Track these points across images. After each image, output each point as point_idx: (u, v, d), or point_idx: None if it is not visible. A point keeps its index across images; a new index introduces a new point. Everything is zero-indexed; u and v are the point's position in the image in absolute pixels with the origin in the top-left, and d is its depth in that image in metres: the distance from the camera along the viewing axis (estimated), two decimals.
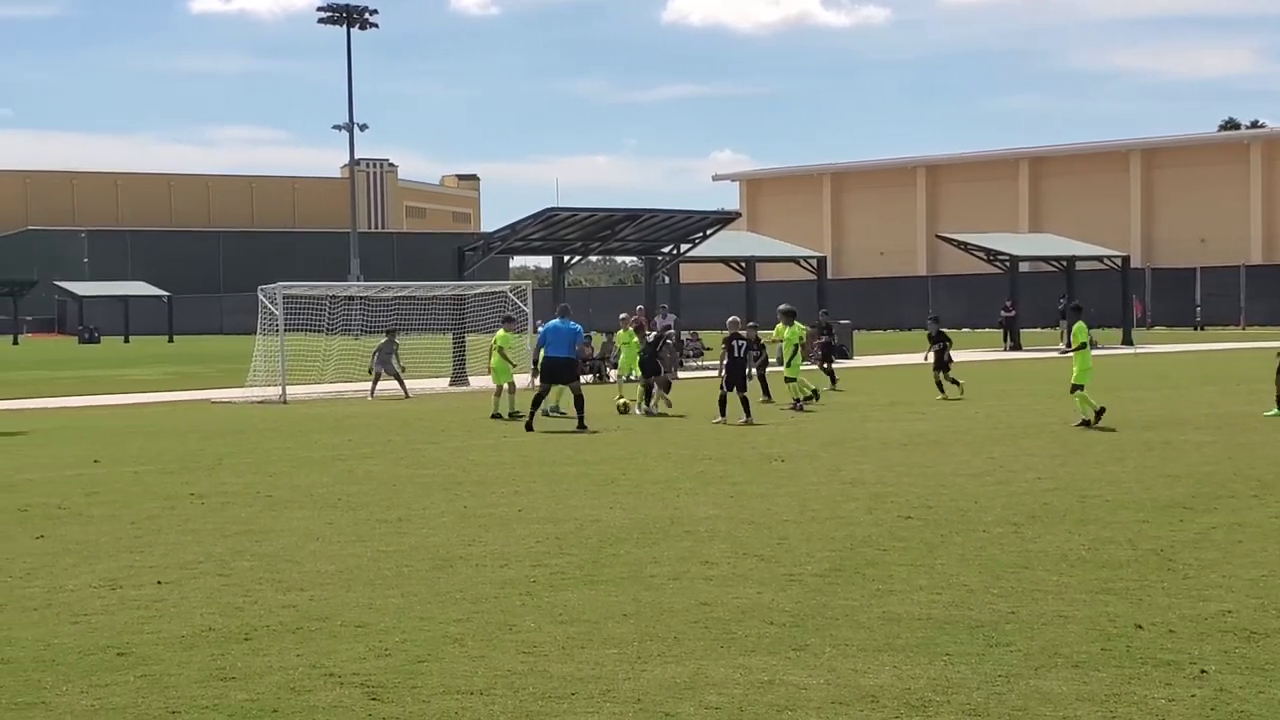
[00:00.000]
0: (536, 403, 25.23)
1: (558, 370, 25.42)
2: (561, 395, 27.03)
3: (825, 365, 35.38)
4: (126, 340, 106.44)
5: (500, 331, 29.58)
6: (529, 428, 24.50)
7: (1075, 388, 23.49)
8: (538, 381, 25.92)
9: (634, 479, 17.62)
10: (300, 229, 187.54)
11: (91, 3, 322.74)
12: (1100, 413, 22.98)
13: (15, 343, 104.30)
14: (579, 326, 26.08)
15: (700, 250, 51.30)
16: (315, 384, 38.07)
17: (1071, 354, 24.04)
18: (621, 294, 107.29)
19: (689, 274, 65.10)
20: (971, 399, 29.79)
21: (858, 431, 23.35)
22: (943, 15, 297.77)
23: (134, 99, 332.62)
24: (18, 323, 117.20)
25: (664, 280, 52.00)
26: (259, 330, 37.87)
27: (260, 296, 37.62)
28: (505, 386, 28.17)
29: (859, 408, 27.76)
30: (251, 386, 35.88)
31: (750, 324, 32.01)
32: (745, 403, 25.43)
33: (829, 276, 61.94)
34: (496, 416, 27.43)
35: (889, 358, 51.73)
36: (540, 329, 26.48)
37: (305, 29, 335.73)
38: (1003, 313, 60.80)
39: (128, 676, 8.51)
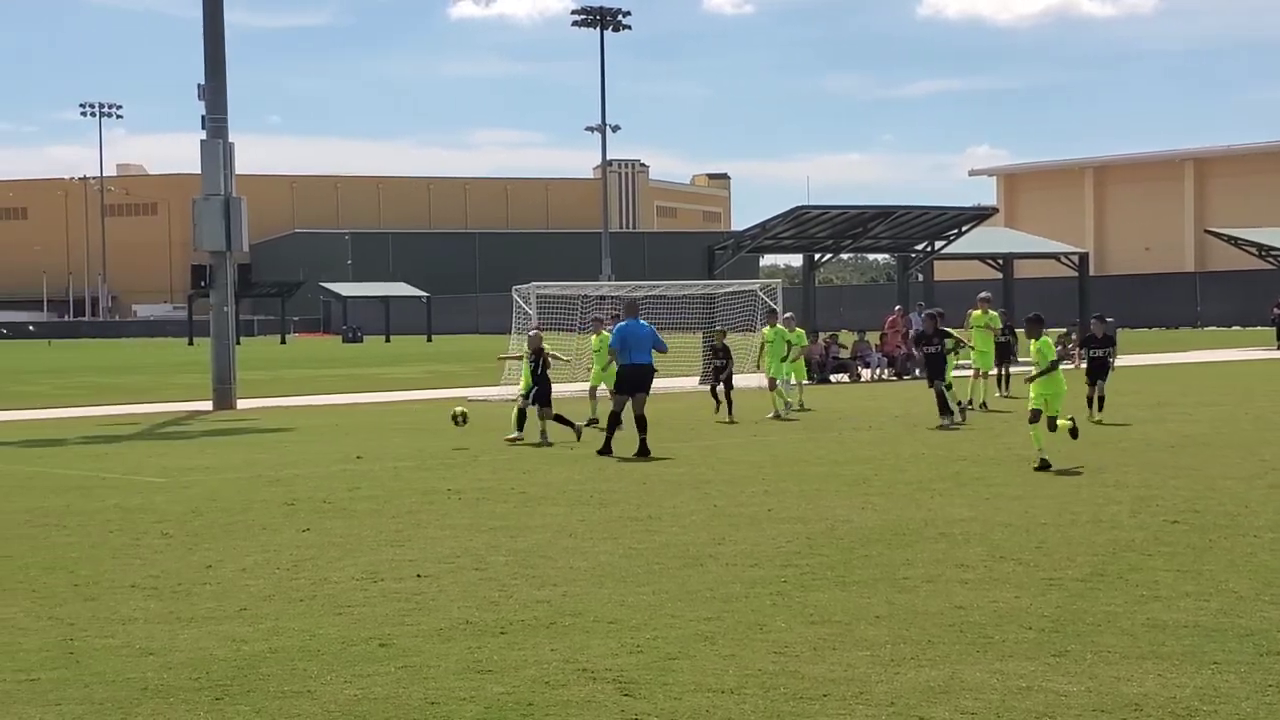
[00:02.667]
0: (615, 421, 21.68)
1: (640, 379, 22.01)
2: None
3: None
4: (388, 339, 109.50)
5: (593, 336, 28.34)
6: (607, 449, 21.17)
7: (1037, 416, 18.37)
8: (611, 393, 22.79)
9: (886, 479, 17.41)
10: (553, 229, 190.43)
11: (357, 11, 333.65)
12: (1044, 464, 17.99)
13: (283, 342, 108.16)
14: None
15: (955, 247, 50.55)
16: (568, 382, 38.54)
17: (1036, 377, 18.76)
18: (873, 292, 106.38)
19: (943, 271, 64.19)
20: (1240, 401, 28.70)
21: (1120, 433, 22.68)
22: (1214, 2, 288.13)
23: (396, 104, 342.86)
24: (285, 322, 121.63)
25: (917, 278, 51.35)
26: (513, 329, 38.53)
27: (514, 296, 38.30)
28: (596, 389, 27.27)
29: (1122, 409, 26.94)
30: (507, 385, 36.49)
31: (717, 328, 30.76)
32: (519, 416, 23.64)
33: (1091, 273, 60.37)
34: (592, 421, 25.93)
35: (1155, 357, 50.22)
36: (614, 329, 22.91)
37: (560, 32, 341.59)
38: (1275, 310, 58.50)
39: (389, 667, 8.71)
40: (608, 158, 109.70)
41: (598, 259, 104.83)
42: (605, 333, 28.42)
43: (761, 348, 29.60)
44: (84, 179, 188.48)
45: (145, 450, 24.00)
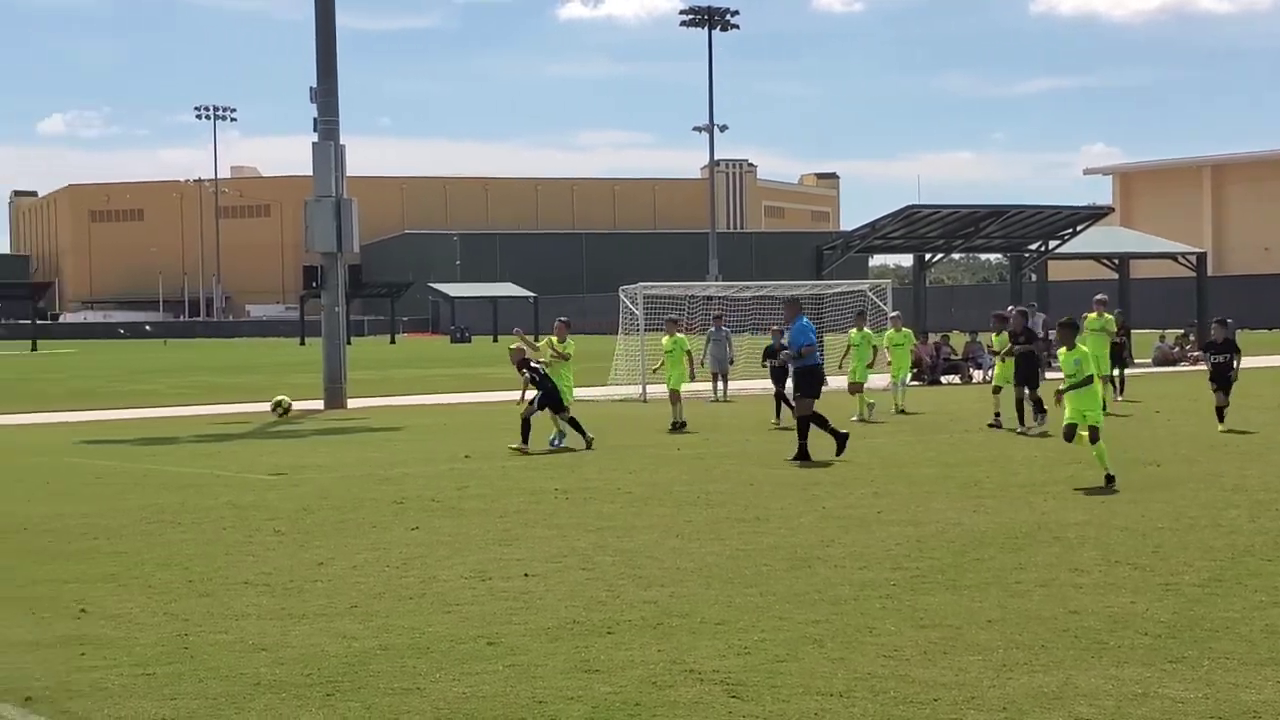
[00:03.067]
0: (823, 420, 20.52)
1: (822, 379, 21.41)
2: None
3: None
4: (495, 339, 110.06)
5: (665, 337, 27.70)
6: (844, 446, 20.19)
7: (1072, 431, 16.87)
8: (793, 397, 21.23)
9: (998, 482, 17.20)
10: (660, 230, 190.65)
11: (465, 14, 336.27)
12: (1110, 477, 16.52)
13: (393, 342, 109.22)
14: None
15: (1069, 247, 49.97)
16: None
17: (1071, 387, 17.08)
18: (985, 292, 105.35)
19: (1057, 271, 63.47)
20: None
21: (1239, 437, 22.24)
22: None
23: (504, 106, 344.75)
24: (395, 322, 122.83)
25: (1030, 278, 50.77)
26: (620, 329, 38.64)
27: (621, 296, 38.41)
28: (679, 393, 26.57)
29: (1241, 411, 26.43)
30: (613, 385, 36.61)
31: (774, 327, 29.63)
32: (525, 426, 22.29)
33: (1209, 274, 59.34)
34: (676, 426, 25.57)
35: (1275, 359, 49.21)
36: (793, 328, 21.32)
37: (668, 32, 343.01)
38: None
39: (497, 666, 8.73)
40: (715, 157, 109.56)
41: (705, 259, 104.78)
42: (679, 335, 27.99)
43: (847, 351, 29.10)
44: (199, 181, 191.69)
45: (258, 448, 24.32)
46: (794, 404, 21.40)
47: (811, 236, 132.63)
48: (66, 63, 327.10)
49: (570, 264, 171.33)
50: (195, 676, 8.59)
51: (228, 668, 8.79)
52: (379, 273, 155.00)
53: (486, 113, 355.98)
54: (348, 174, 36.79)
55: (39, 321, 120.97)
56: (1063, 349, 17.33)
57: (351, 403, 35.30)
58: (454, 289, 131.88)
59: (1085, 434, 16.65)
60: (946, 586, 10.89)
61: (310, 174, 36.83)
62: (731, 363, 35.78)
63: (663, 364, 28.07)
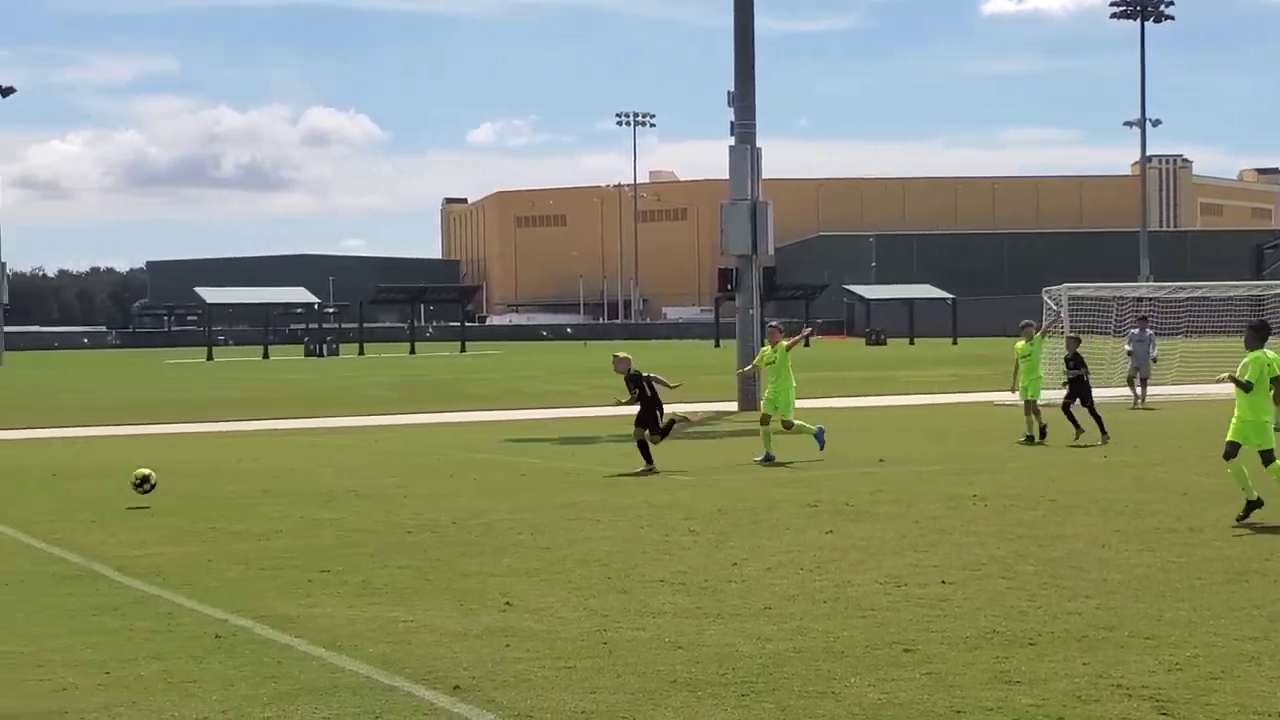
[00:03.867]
0: None
1: None
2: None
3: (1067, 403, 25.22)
4: (911, 342, 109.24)
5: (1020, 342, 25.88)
6: None
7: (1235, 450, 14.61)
8: None
9: None
10: (1086, 229, 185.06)
11: (885, 13, 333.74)
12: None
13: (806, 345, 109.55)
14: None
15: None
16: (1101, 387, 37.27)
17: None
18: None
19: None
20: None
21: None
22: None
23: (922, 105, 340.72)
24: (810, 324, 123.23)
25: None
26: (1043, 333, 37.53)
27: (1044, 298, 37.40)
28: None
29: None
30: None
31: (1071, 335, 26.76)
32: (643, 447, 20.90)
33: None
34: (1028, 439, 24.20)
35: None
36: None
37: (1097, 25, 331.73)
38: None
39: (914, 673, 8.56)
40: (1147, 153, 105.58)
41: (1134, 259, 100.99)
42: (1039, 336, 26.16)
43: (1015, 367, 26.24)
44: (618, 186, 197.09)
45: (672, 449, 24.69)
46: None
47: (1252, 235, 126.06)
48: (496, 74, 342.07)
49: (990, 264, 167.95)
50: (614, 671, 8.74)
51: (645, 664, 8.90)
52: (793, 275, 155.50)
53: (904, 112, 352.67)
54: (763, 176, 37.07)
55: (467, 324, 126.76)
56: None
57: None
58: (870, 291, 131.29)
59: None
60: None
61: (726, 177, 37.28)
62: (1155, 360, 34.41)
63: (1017, 369, 26.08)
